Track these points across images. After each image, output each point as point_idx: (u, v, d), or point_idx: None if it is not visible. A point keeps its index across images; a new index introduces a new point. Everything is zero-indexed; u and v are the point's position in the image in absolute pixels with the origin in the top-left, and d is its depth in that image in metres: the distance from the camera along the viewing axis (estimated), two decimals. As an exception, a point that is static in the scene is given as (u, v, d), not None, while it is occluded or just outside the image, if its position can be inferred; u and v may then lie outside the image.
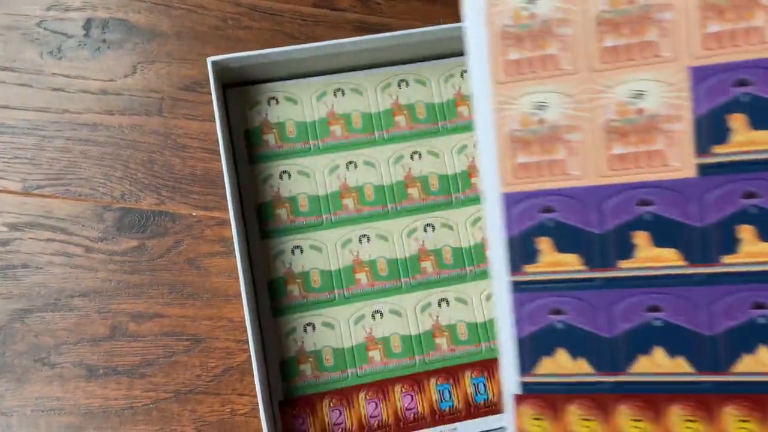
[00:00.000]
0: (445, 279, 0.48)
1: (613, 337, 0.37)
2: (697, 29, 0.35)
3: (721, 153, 0.35)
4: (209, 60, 0.44)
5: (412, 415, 0.46)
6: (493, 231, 0.38)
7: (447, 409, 0.47)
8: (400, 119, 0.50)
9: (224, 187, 0.49)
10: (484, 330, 0.48)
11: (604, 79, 0.37)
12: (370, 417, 0.46)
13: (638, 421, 0.37)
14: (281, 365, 0.46)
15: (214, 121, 0.47)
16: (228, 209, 0.44)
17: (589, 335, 0.37)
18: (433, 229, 0.49)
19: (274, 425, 0.44)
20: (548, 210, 0.38)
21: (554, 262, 0.38)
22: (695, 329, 0.36)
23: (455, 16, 0.54)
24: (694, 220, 0.36)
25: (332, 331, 0.47)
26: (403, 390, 0.47)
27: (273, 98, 0.49)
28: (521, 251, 0.38)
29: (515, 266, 0.38)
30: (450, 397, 0.47)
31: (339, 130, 0.49)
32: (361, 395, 0.46)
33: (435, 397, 0.47)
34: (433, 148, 0.50)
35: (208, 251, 0.50)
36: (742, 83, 0.35)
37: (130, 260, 0.50)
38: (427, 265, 0.48)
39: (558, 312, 0.38)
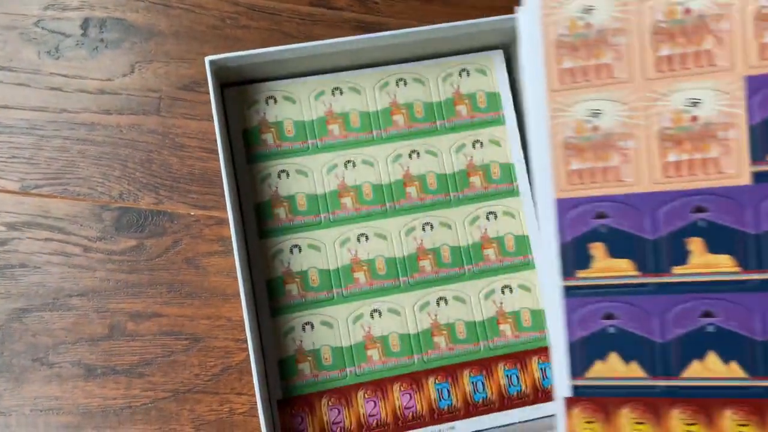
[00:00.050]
0: (443, 278, 0.48)
1: (666, 342, 0.37)
2: (753, 39, 0.36)
3: None
4: (207, 59, 0.44)
5: (410, 413, 0.46)
6: (545, 236, 0.39)
7: (445, 407, 0.47)
8: (398, 118, 0.50)
9: (222, 187, 0.49)
10: (482, 329, 0.48)
11: (659, 88, 0.37)
12: (369, 416, 0.46)
13: (691, 424, 0.37)
14: (280, 364, 0.46)
15: (212, 120, 0.47)
16: (226, 208, 0.44)
17: (641, 340, 0.38)
18: (432, 227, 0.49)
19: (272, 424, 0.44)
20: (601, 216, 0.38)
21: (607, 267, 0.38)
22: (749, 335, 0.36)
23: (452, 15, 0.54)
24: (749, 227, 0.36)
25: (331, 330, 0.47)
26: (402, 389, 0.47)
27: (271, 97, 0.49)
28: (574, 256, 0.39)
29: (568, 271, 0.39)
30: (448, 395, 0.47)
31: (337, 129, 0.49)
32: (360, 394, 0.46)
33: (433, 395, 0.47)
34: (432, 147, 0.50)
35: (206, 251, 0.50)
36: None
37: (128, 260, 0.49)
38: (426, 263, 0.48)
39: (610, 317, 0.38)
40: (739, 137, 0.36)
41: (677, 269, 0.37)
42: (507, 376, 0.47)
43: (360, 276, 0.48)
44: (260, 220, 0.48)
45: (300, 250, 0.48)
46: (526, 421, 0.47)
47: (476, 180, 0.50)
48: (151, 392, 0.48)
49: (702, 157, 0.37)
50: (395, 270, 0.48)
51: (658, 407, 0.38)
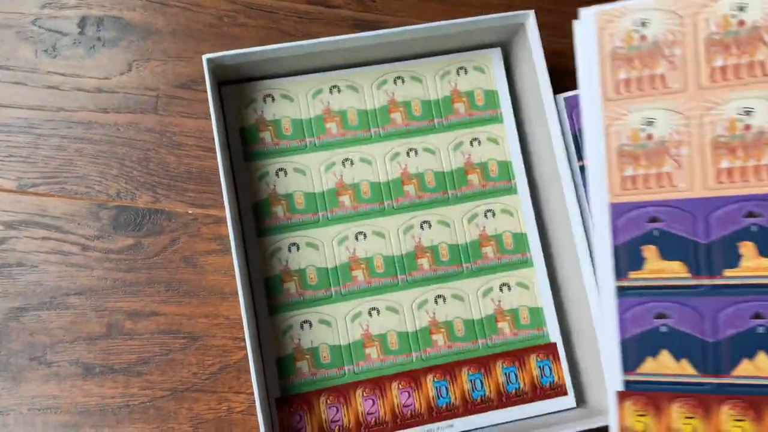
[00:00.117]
0: (441, 276, 0.48)
1: (717, 342, 0.39)
2: None
3: None
4: (205, 57, 0.44)
5: (409, 411, 0.46)
6: (600, 238, 0.41)
7: (444, 405, 0.47)
8: (396, 116, 0.50)
9: (220, 185, 0.49)
10: (480, 326, 0.48)
11: (713, 97, 0.39)
12: (367, 414, 0.46)
13: (740, 420, 0.39)
14: (278, 362, 0.46)
15: (210, 118, 0.47)
16: (224, 207, 0.44)
17: (693, 339, 0.39)
18: (430, 225, 0.49)
19: (270, 423, 0.44)
20: (654, 220, 0.40)
21: (659, 269, 0.40)
22: None
23: (450, 12, 0.54)
24: None
25: (329, 328, 0.47)
26: (400, 387, 0.47)
27: (269, 95, 0.49)
28: (627, 258, 0.41)
29: (621, 272, 0.41)
30: (447, 393, 0.47)
31: (335, 127, 0.49)
32: (358, 392, 0.46)
33: (432, 393, 0.47)
34: (429, 144, 0.50)
35: (204, 249, 0.50)
36: None
37: (126, 258, 0.49)
38: (424, 261, 0.48)
39: (662, 316, 0.40)
40: None
41: (729, 272, 0.39)
42: (505, 373, 0.47)
43: (358, 274, 0.48)
44: (258, 219, 0.48)
45: (298, 249, 0.47)
46: (524, 418, 0.47)
47: (474, 178, 0.50)
48: (149, 391, 0.48)
49: (755, 164, 0.38)
50: (393, 268, 0.48)
51: (709, 403, 0.39)
